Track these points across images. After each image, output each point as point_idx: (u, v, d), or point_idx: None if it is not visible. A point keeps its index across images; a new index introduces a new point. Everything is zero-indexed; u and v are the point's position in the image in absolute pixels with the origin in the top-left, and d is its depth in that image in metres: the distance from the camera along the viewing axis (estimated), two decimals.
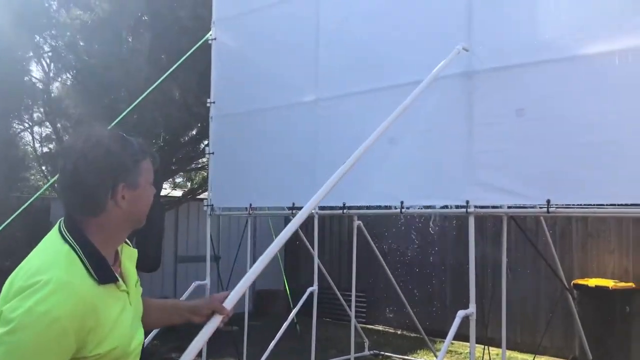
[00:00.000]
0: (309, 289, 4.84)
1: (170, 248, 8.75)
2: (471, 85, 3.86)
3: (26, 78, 6.23)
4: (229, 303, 1.73)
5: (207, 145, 5.85)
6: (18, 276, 1.39)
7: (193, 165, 8.63)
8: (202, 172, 8.95)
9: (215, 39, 5.52)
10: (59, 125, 6.64)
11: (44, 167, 6.73)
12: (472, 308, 3.76)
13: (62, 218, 1.52)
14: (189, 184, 9.83)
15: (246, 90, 5.31)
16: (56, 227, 1.51)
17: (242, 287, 1.82)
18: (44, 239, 1.51)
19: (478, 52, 3.84)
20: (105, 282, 1.45)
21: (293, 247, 9.40)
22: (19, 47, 6.05)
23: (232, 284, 6.43)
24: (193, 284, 5.34)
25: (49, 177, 6.38)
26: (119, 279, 1.53)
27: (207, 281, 5.43)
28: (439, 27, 4.08)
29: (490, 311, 4.57)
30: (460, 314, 3.66)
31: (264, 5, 5.18)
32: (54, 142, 6.82)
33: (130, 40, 6.43)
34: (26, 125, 6.74)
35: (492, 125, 3.77)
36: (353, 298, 5.28)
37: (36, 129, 7.03)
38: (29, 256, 1.47)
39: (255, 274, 1.95)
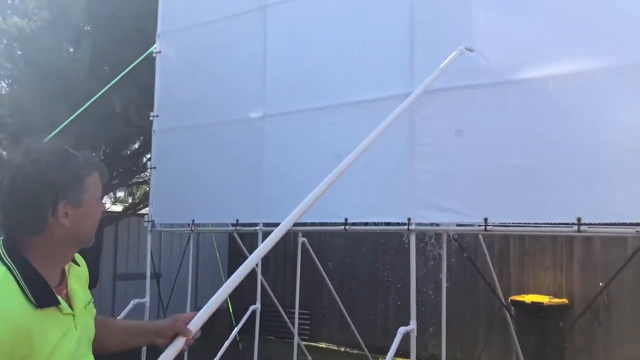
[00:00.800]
0: (251, 307, 4.79)
1: (109, 265, 8.48)
2: (413, 106, 3.94)
3: None
4: (194, 325, 1.61)
5: (150, 159, 5.72)
6: None
7: (135, 179, 8.43)
8: (144, 186, 8.76)
9: (159, 52, 5.44)
10: None
11: None
12: (412, 325, 3.81)
13: (2, 238, 1.45)
14: (130, 199, 9.58)
15: (191, 104, 5.25)
16: None
17: (209, 308, 1.69)
18: None
19: (420, 74, 3.94)
20: (44, 305, 1.38)
21: (237, 264, 9.30)
22: None
23: (172, 302, 6.29)
24: (132, 302, 5.18)
25: None
26: (61, 302, 1.45)
27: (147, 299, 5.29)
28: (383, 47, 4.17)
29: (431, 327, 4.64)
30: (401, 330, 3.70)
31: (210, 20, 5.15)
32: None
33: (71, 50, 6.25)
34: None
35: (433, 145, 3.86)
36: (296, 315, 5.26)
37: None
38: None
39: (224, 295, 1.79)
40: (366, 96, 4.18)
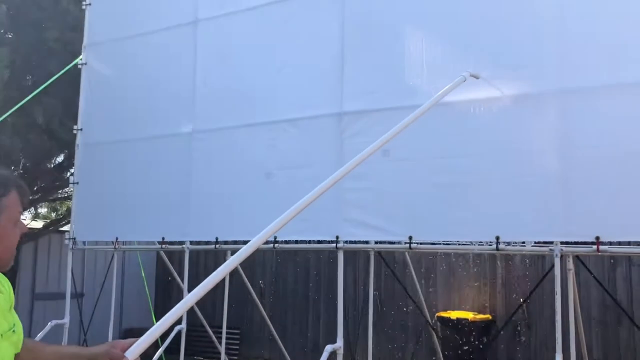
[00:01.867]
0: (177, 327, 4.65)
1: (27, 284, 8.04)
2: (342, 126, 4.01)
3: None
4: (132, 353, 1.49)
5: (72, 174, 5.51)
6: None
7: (58, 194, 8.08)
8: (68, 202, 8.41)
9: (85, 63, 5.27)
10: None
11: None
12: (339, 342, 3.83)
13: None
14: (53, 215, 9.16)
15: (117, 118, 5.10)
16: None
17: (150, 335, 1.55)
18: None
19: (349, 95, 4.01)
20: None
21: (165, 283, 9.04)
22: None
23: (95, 323, 5.99)
24: (50, 323, 4.93)
25: None
26: None
27: (66, 320, 5.04)
28: (314, 68, 4.21)
29: (358, 345, 4.68)
30: (328, 348, 3.70)
31: (139, 33, 5.05)
32: None
33: None
34: None
35: (360, 165, 3.91)
36: (224, 334, 5.16)
37: None
38: None
39: (168, 322, 1.60)
40: (297, 114, 4.21)
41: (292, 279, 8.39)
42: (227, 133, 4.55)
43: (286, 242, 4.28)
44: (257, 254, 7.99)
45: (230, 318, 5.43)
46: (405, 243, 3.70)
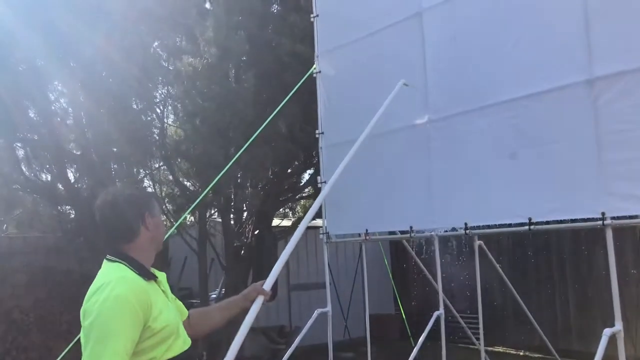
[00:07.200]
0: (436, 313, 4.76)
1: (282, 277, 8.97)
2: (595, 93, 3.71)
3: (153, 131, 6.67)
4: (267, 286, 2.37)
5: (312, 174, 5.98)
6: (89, 291, 1.92)
7: (298, 195, 8.83)
8: (305, 201, 9.14)
9: (319, 72, 5.66)
10: (175, 168, 7.04)
11: (169, 206, 7.13)
12: (618, 325, 3.56)
13: (107, 255, 2.03)
14: (292, 213, 10.03)
15: (353, 118, 5.37)
16: (104, 260, 2.04)
17: (275, 272, 2.46)
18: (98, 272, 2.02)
19: (598, 58, 3.70)
20: (149, 279, 2.00)
21: (400, 269, 9.32)
22: (139, 97, 6.51)
23: (344, 310, 6.38)
24: (316, 311, 5.39)
25: (172, 220, 6.75)
26: (158, 276, 2.07)
27: (329, 308, 5.47)
28: (552, 36, 3.98)
29: (638, 328, 4.30)
30: (607, 332, 3.47)
31: (365, 35, 5.25)
32: (173, 185, 7.23)
33: (236, 80, 6.74)
34: (147, 171, 7.22)
35: (622, 133, 3.60)
36: (480, 321, 5.14)
37: (155, 172, 7.49)
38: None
39: (282, 263, 2.59)
40: (539, 88, 4.01)
41: (532, 259, 8.04)
42: (464, 117, 4.52)
43: (539, 222, 4.08)
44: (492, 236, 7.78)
45: (470, 302, 5.39)
46: None
